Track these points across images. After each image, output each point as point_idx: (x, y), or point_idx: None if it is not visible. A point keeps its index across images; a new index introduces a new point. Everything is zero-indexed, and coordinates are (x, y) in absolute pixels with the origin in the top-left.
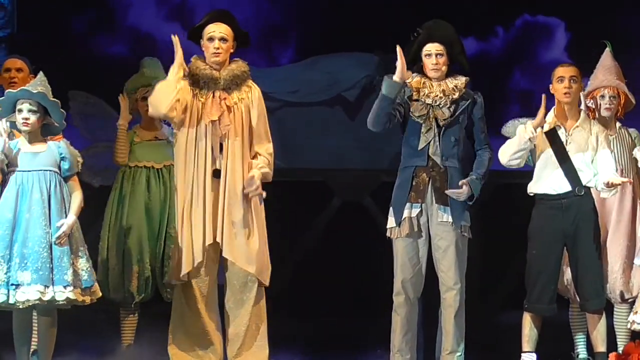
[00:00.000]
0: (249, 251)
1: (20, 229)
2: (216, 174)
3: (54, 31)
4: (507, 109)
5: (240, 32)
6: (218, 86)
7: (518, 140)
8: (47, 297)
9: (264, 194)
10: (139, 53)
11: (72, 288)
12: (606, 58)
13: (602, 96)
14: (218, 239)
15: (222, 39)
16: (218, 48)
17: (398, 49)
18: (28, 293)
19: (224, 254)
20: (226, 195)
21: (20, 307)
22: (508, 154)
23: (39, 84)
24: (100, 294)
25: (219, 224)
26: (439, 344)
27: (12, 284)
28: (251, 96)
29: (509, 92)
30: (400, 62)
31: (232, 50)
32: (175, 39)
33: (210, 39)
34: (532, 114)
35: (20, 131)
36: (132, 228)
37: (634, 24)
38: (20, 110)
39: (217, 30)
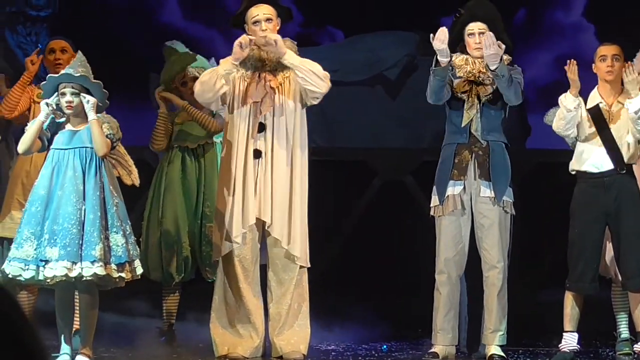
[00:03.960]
0: (291, 232)
1: (52, 206)
2: (256, 154)
3: (95, 10)
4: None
5: (282, 8)
6: (265, 68)
7: (562, 109)
8: (73, 274)
9: (273, 39)
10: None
11: (101, 264)
12: None
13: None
14: (264, 218)
15: (268, 20)
16: (265, 30)
17: (444, 30)
18: (55, 269)
19: (269, 234)
20: (270, 175)
21: (50, 282)
22: (559, 123)
23: (79, 64)
24: (142, 270)
25: (262, 204)
26: (483, 322)
27: (41, 260)
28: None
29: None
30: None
31: (278, 28)
32: (245, 40)
33: (256, 22)
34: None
35: (64, 113)
36: (168, 207)
37: None
38: (63, 94)
39: (261, 12)
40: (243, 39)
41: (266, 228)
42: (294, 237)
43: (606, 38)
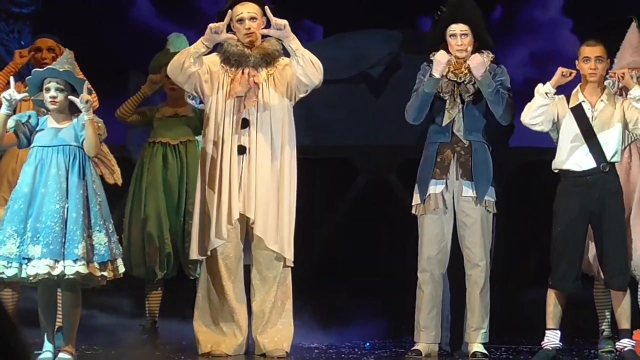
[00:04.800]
0: (276, 229)
1: (35, 203)
2: (241, 150)
3: (77, 8)
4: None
5: (267, 6)
6: (248, 63)
7: (535, 97)
8: (56, 272)
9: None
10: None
11: (83, 262)
12: (632, 35)
13: (630, 77)
14: (248, 214)
15: (252, 19)
16: (249, 28)
17: (442, 52)
18: (37, 267)
19: (254, 232)
20: (254, 171)
21: (32, 280)
22: (528, 112)
23: (65, 61)
24: (124, 269)
25: (246, 200)
26: (466, 320)
27: (24, 258)
28: (280, 69)
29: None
30: (443, 61)
31: (263, 27)
32: (215, 27)
33: (240, 21)
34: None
35: (48, 110)
36: (150, 203)
37: None
38: (47, 89)
39: (246, 10)
40: (215, 25)
41: (249, 224)
42: (281, 235)
43: (584, 34)
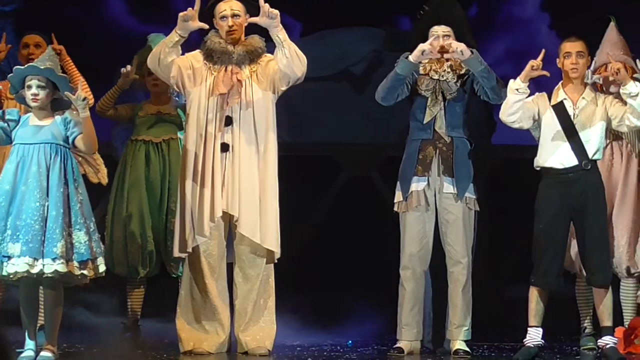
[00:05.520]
0: (262, 226)
1: (16, 201)
2: (224, 147)
3: (59, 5)
4: None
5: (251, 5)
6: (231, 60)
7: (508, 94)
8: (35, 270)
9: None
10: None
11: (62, 261)
12: (611, 33)
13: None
14: (232, 212)
15: (235, 16)
16: (232, 25)
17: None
18: (17, 265)
19: (237, 229)
20: (238, 168)
21: (12, 278)
22: (504, 109)
23: (47, 59)
24: (105, 268)
25: (230, 198)
26: (448, 318)
27: (4, 256)
28: (264, 65)
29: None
30: (424, 47)
31: (246, 24)
32: (184, 14)
33: (223, 18)
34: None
35: (30, 107)
36: (132, 201)
37: None
38: (29, 87)
39: (229, 8)
40: (184, 13)
41: (233, 222)
42: (266, 231)
43: (562, 30)
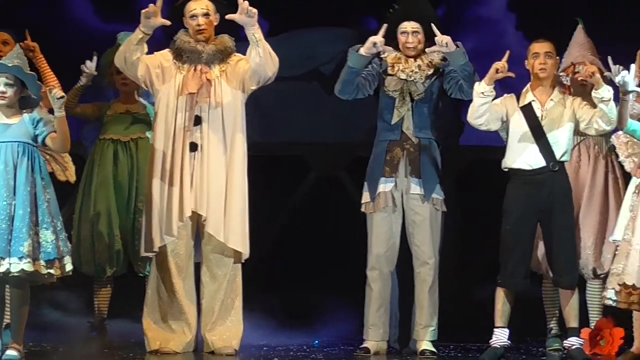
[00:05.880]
0: (230, 226)
1: None
2: (193, 147)
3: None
4: None
5: (221, 4)
6: (201, 60)
7: (474, 98)
8: (1, 269)
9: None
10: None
11: (29, 260)
12: (579, 35)
13: (577, 72)
14: (200, 212)
15: (205, 15)
16: (202, 24)
17: (384, 25)
18: None
19: (205, 229)
20: (207, 168)
21: None
22: (471, 112)
23: (15, 56)
24: (72, 267)
25: (199, 197)
26: (414, 318)
27: None
28: (233, 64)
29: None
30: (375, 38)
31: (215, 23)
32: (145, 11)
33: (193, 17)
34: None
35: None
36: (100, 200)
37: None
38: None
39: (199, 7)
40: (145, 10)
41: (201, 221)
42: (234, 231)
43: (529, 31)
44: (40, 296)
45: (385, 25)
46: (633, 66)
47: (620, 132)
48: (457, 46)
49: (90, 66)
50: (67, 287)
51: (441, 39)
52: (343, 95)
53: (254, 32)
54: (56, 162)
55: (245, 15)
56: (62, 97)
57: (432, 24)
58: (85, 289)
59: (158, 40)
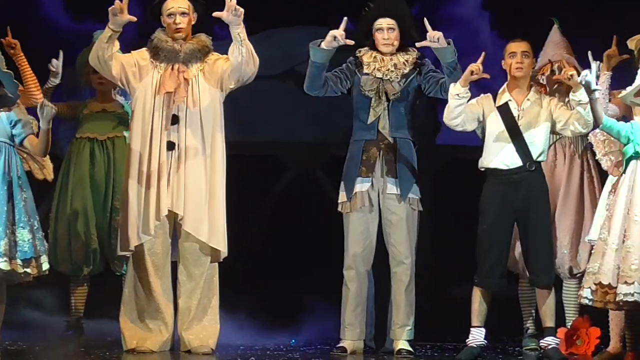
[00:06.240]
0: (208, 224)
1: None
2: (170, 146)
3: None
4: None
5: (199, 3)
6: (178, 59)
7: (449, 100)
8: None
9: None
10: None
11: (5, 259)
12: (554, 34)
13: (553, 71)
14: (177, 211)
15: (183, 14)
16: (179, 23)
17: (345, 19)
18: None
19: (183, 227)
20: (184, 167)
21: None
22: (446, 114)
23: None
24: (48, 266)
25: (175, 196)
26: (391, 317)
27: None
28: (211, 63)
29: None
30: (335, 32)
31: (193, 22)
32: (113, 8)
33: (170, 15)
34: None
35: None
36: (76, 199)
37: None
38: None
39: (176, 5)
40: (112, 7)
41: (178, 220)
42: (214, 230)
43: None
44: (17, 295)
45: (345, 19)
46: (594, 65)
47: (597, 130)
48: (448, 43)
49: (56, 64)
50: (44, 286)
51: (433, 34)
52: (312, 92)
53: (239, 32)
54: (33, 161)
55: (232, 14)
56: (52, 108)
57: (425, 19)
58: (61, 288)
59: (132, 39)
